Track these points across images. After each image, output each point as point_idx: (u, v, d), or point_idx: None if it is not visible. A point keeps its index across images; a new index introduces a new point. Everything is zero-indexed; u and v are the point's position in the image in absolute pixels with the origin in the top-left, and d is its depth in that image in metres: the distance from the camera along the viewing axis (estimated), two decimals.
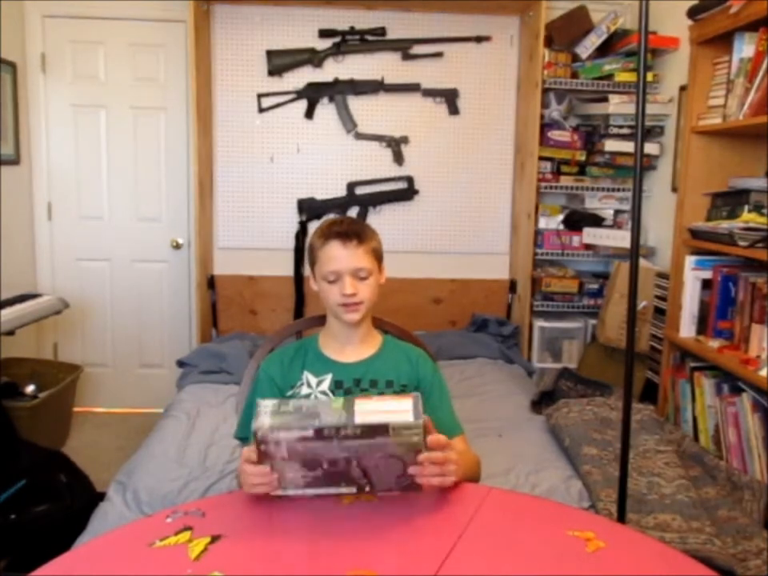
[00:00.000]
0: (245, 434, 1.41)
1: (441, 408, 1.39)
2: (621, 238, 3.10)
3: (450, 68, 3.32)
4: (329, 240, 1.33)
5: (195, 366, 2.91)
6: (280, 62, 3.25)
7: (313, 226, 3.34)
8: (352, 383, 1.36)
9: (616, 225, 3.29)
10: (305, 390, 1.37)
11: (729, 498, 1.95)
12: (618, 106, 3.08)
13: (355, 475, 1.08)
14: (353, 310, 1.33)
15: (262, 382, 1.40)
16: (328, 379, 1.37)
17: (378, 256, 1.38)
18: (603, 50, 3.14)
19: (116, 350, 3.56)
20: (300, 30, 3.26)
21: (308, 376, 1.37)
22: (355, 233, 1.33)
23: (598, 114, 3.16)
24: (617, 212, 3.31)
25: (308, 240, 1.40)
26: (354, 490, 1.11)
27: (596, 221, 3.26)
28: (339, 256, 1.31)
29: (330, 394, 1.35)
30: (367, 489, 1.11)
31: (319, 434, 1.02)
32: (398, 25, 3.27)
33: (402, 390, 1.38)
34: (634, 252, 1.62)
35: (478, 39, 3.29)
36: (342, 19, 3.25)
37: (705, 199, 2.47)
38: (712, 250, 2.36)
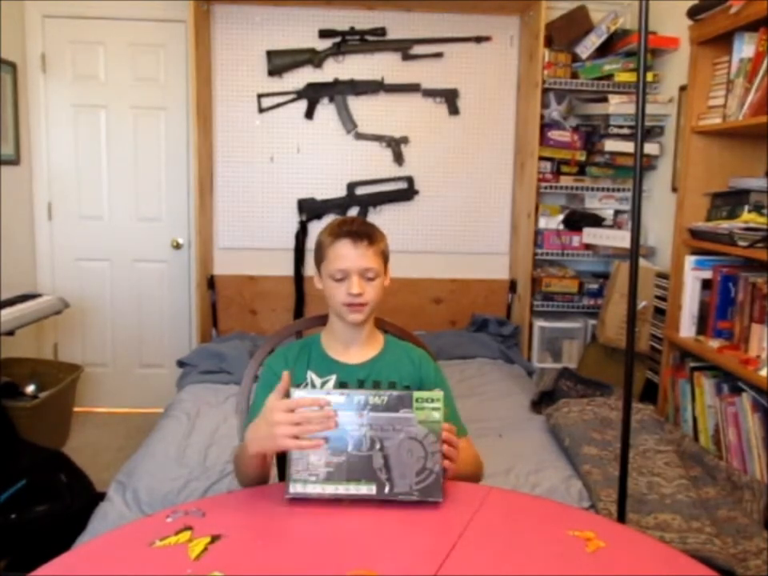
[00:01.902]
0: None
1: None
2: (621, 238, 3.10)
3: (449, 68, 3.32)
4: (339, 238, 1.32)
5: (195, 366, 2.91)
6: (280, 62, 3.25)
7: (313, 226, 3.35)
8: (356, 384, 1.36)
9: (616, 225, 3.30)
10: None
11: (729, 498, 1.95)
12: (618, 106, 3.08)
13: (377, 466, 1.12)
14: (357, 311, 1.33)
15: (268, 378, 1.38)
16: (332, 380, 1.36)
17: (385, 258, 1.38)
18: (603, 50, 3.15)
19: (116, 350, 3.56)
20: (300, 31, 3.26)
21: (312, 376, 1.37)
22: (366, 233, 1.33)
23: (598, 114, 3.16)
24: (617, 212, 3.31)
25: (315, 239, 1.39)
26: (373, 489, 1.12)
27: (596, 221, 3.27)
28: (349, 255, 1.31)
29: None
30: (386, 489, 1.12)
31: (350, 401, 1.13)
32: (398, 25, 3.27)
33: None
34: (634, 252, 1.62)
35: (478, 39, 3.29)
36: (342, 19, 3.26)
37: (705, 199, 2.47)
38: (712, 250, 2.36)
